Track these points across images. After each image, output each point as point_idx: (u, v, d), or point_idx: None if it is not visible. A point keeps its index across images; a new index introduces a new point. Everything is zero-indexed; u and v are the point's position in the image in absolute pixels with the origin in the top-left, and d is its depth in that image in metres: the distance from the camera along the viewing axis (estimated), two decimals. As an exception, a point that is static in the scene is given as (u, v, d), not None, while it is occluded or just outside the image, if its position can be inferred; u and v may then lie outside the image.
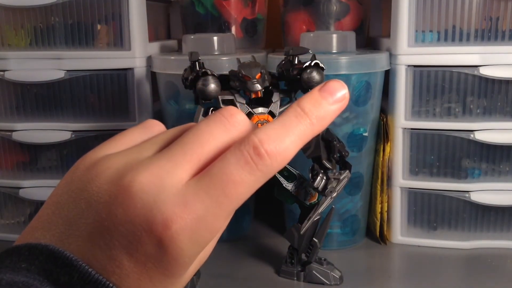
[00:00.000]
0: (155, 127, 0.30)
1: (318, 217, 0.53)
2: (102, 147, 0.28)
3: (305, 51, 0.52)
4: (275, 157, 0.24)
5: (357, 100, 0.59)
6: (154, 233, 0.22)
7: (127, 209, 0.23)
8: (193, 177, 0.24)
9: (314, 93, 0.27)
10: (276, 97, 0.51)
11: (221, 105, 0.50)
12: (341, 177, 0.50)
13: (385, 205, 0.64)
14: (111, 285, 0.22)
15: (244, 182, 0.23)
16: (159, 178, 0.23)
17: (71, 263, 0.22)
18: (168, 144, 0.26)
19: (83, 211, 0.24)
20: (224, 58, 0.60)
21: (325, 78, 0.50)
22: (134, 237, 0.23)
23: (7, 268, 0.23)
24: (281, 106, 0.51)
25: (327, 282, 0.54)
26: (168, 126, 0.30)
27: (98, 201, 0.24)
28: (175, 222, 0.22)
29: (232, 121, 0.26)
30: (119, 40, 0.64)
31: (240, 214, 0.68)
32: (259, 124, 0.48)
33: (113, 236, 0.23)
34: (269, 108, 0.51)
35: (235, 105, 0.50)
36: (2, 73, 0.64)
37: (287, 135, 0.25)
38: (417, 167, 0.63)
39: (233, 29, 0.75)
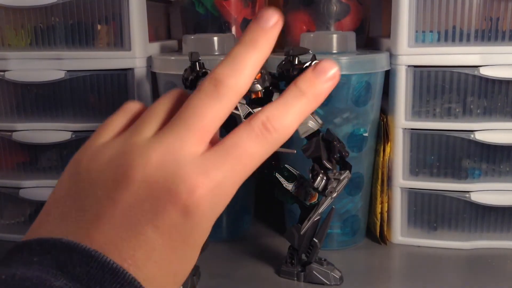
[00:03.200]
0: (135, 108, 0.32)
1: (318, 217, 0.53)
2: (95, 138, 0.28)
3: (305, 51, 0.52)
4: (281, 132, 0.28)
5: (357, 100, 0.59)
6: (179, 201, 0.24)
7: (149, 187, 0.25)
8: (207, 149, 0.26)
9: (308, 73, 0.29)
10: (276, 97, 0.51)
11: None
12: (341, 177, 0.50)
13: (385, 205, 0.64)
14: (128, 274, 0.23)
15: (257, 152, 0.27)
16: (173, 154, 0.25)
17: (89, 253, 0.22)
18: (164, 120, 0.28)
19: (100, 198, 0.25)
20: (224, 58, 0.60)
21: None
22: (159, 209, 0.24)
23: (18, 263, 0.22)
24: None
25: (327, 282, 0.54)
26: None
27: (117, 186, 0.25)
28: (198, 188, 0.25)
29: (221, 91, 0.28)
30: (119, 40, 0.64)
31: (240, 214, 0.68)
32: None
33: (137, 213, 0.24)
34: (269, 108, 0.51)
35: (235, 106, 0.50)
36: (2, 73, 0.64)
37: (288, 113, 0.28)
38: (417, 168, 0.63)
39: (233, 29, 0.74)
